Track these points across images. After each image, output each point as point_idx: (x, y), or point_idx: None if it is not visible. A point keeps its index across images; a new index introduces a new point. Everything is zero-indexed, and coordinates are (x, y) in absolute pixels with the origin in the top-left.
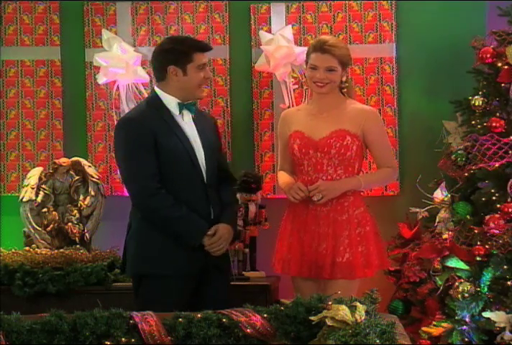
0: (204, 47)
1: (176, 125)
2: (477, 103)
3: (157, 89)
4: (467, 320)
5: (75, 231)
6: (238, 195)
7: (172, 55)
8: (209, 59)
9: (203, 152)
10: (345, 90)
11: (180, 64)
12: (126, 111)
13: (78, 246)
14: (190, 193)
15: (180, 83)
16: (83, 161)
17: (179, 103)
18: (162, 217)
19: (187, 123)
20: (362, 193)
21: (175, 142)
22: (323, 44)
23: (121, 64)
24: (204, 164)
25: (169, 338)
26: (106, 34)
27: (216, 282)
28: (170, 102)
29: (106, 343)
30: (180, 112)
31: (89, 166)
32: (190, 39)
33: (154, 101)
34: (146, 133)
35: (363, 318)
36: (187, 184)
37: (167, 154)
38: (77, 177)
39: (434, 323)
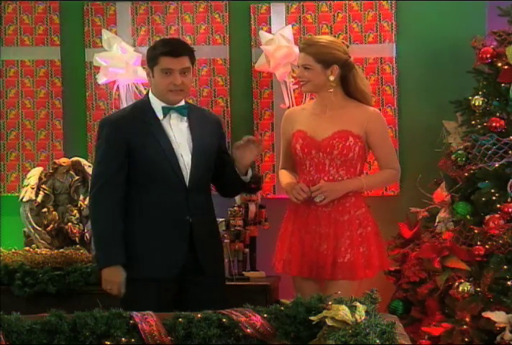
0: (169, 52)
1: (158, 128)
2: (477, 103)
3: (150, 90)
4: (467, 320)
5: (75, 231)
6: (238, 195)
7: (147, 56)
8: (209, 59)
9: (189, 156)
10: (331, 90)
11: (149, 65)
12: None
13: (78, 246)
14: (168, 197)
15: (152, 85)
16: (83, 161)
17: (163, 107)
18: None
19: (174, 126)
20: (363, 194)
21: (152, 145)
22: (301, 43)
23: (121, 64)
24: (188, 168)
25: (169, 338)
26: (106, 34)
27: (199, 285)
28: (157, 105)
29: (106, 343)
30: (165, 116)
31: (89, 166)
32: (166, 42)
33: (143, 103)
34: (117, 135)
35: (363, 318)
36: (164, 187)
37: (143, 158)
38: (77, 177)
39: (434, 323)
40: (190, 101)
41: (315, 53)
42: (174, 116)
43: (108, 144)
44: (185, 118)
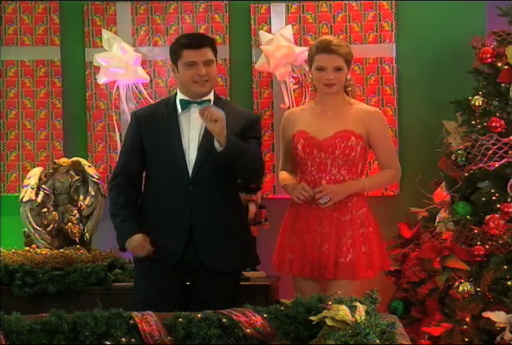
0: (190, 44)
1: (174, 122)
2: (477, 103)
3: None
4: (467, 320)
5: (75, 231)
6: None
7: (170, 53)
8: None
9: (196, 150)
10: (349, 89)
11: (174, 61)
12: (126, 111)
13: (78, 246)
14: (170, 191)
15: (178, 80)
16: (83, 161)
17: (181, 100)
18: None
19: (194, 120)
20: (364, 194)
21: (161, 139)
22: (328, 44)
23: (121, 64)
24: (193, 160)
25: (169, 338)
26: (106, 34)
27: (204, 282)
28: (179, 99)
29: (106, 343)
30: (184, 109)
31: (89, 166)
32: (186, 36)
33: (170, 97)
34: (134, 128)
35: (363, 318)
36: (167, 181)
37: (151, 151)
38: (77, 177)
39: (434, 323)
40: None
41: (345, 54)
42: (195, 110)
43: (127, 136)
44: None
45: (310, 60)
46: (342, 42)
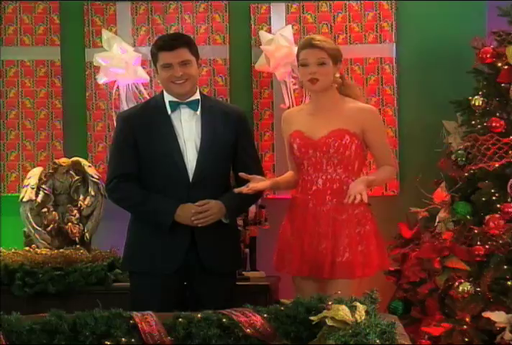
0: (164, 47)
1: (166, 123)
2: (477, 103)
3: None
4: (467, 320)
5: (75, 231)
6: None
7: (150, 55)
8: (209, 59)
9: (195, 153)
10: (348, 91)
11: (154, 63)
12: None
13: (78, 246)
14: (170, 194)
15: (159, 82)
16: (83, 161)
17: (170, 102)
18: (127, 207)
19: (185, 121)
20: None
21: (157, 142)
22: (311, 40)
23: (121, 64)
24: (193, 165)
25: (169, 338)
26: (106, 34)
27: (205, 283)
28: (167, 100)
29: (106, 343)
30: (173, 110)
31: (89, 166)
32: (161, 37)
33: (157, 98)
34: (126, 130)
35: (363, 318)
36: (167, 184)
37: (148, 154)
38: (77, 177)
39: (434, 323)
40: None
41: (329, 48)
42: (185, 111)
43: (118, 139)
44: (198, 112)
45: (297, 59)
46: (327, 39)
